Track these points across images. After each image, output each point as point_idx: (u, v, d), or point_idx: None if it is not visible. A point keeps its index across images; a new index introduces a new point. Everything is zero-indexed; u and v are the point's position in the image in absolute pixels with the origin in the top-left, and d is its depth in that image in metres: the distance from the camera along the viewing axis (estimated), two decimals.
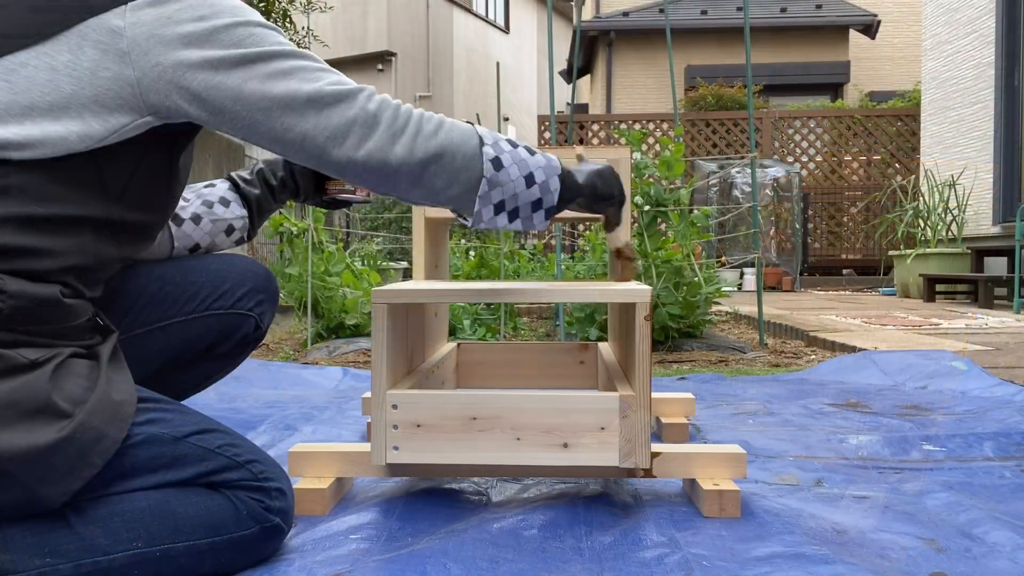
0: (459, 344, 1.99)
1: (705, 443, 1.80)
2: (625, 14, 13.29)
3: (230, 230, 1.37)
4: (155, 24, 0.96)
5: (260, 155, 7.19)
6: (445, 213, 1.76)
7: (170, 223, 1.31)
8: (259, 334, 1.36)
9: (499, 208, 1.11)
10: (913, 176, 8.63)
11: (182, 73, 0.96)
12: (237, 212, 1.37)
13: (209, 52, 0.96)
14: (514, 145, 1.14)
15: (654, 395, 1.88)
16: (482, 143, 1.09)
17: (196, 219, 1.34)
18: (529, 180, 1.12)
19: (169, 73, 0.96)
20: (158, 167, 1.04)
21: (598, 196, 1.22)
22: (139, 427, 0.97)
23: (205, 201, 1.35)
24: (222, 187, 1.37)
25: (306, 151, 1.01)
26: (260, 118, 0.98)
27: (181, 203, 1.33)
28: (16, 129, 0.92)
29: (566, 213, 1.54)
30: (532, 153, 1.15)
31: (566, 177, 1.18)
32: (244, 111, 0.98)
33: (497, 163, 1.09)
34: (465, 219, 1.15)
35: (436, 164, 1.05)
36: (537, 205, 1.14)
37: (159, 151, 1.03)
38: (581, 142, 10.22)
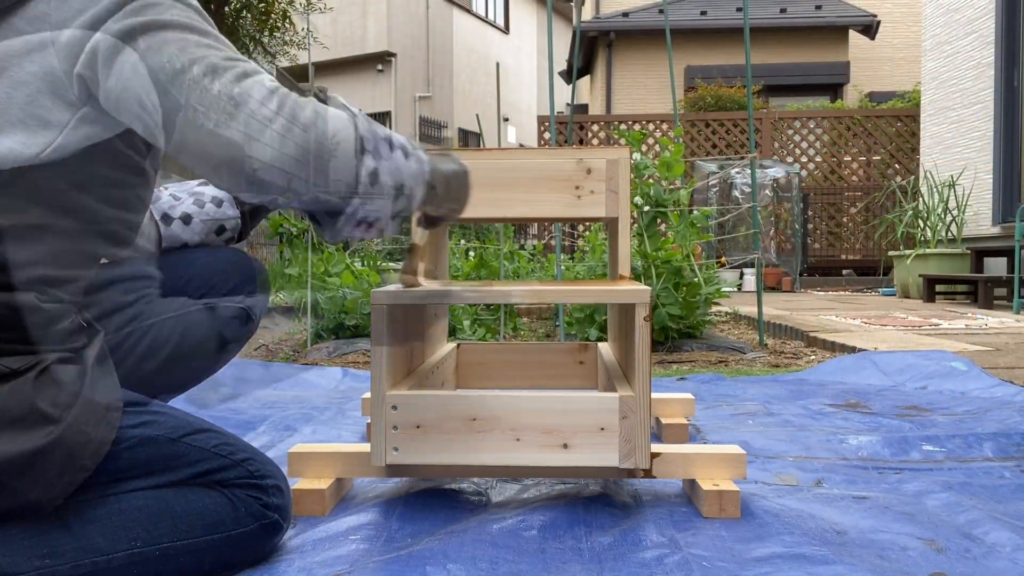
0: (459, 345, 1.99)
1: (705, 444, 1.80)
2: (625, 14, 13.29)
3: (220, 230, 1.36)
4: (79, 7, 0.90)
5: None
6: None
7: (159, 222, 1.31)
8: (252, 326, 1.34)
9: (360, 222, 0.98)
10: (913, 176, 8.63)
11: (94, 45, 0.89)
12: (229, 212, 1.35)
13: (119, 23, 0.89)
14: (391, 145, 0.99)
15: (654, 395, 1.88)
16: (362, 149, 0.94)
17: (186, 219, 1.32)
18: (398, 191, 0.99)
19: (85, 52, 0.90)
20: (124, 173, 0.99)
21: (450, 205, 1.11)
22: (133, 430, 0.97)
23: (197, 200, 1.33)
24: None
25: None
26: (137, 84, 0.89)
27: (171, 202, 1.32)
28: None
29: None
30: (407, 154, 1.00)
31: (432, 183, 1.05)
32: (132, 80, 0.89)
33: (374, 177, 0.95)
34: (320, 231, 1.01)
35: (314, 161, 0.91)
36: (396, 215, 1.01)
37: (123, 157, 0.98)
38: (581, 142, 10.21)
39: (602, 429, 1.24)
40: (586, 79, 16.36)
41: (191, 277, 1.27)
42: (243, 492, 1.02)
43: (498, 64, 5.48)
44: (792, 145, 10.23)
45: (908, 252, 6.89)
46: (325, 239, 1.01)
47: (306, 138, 0.90)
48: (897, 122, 10.01)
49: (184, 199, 1.32)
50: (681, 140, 3.69)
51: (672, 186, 3.66)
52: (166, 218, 1.31)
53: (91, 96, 0.92)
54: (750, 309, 4.83)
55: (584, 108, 15.43)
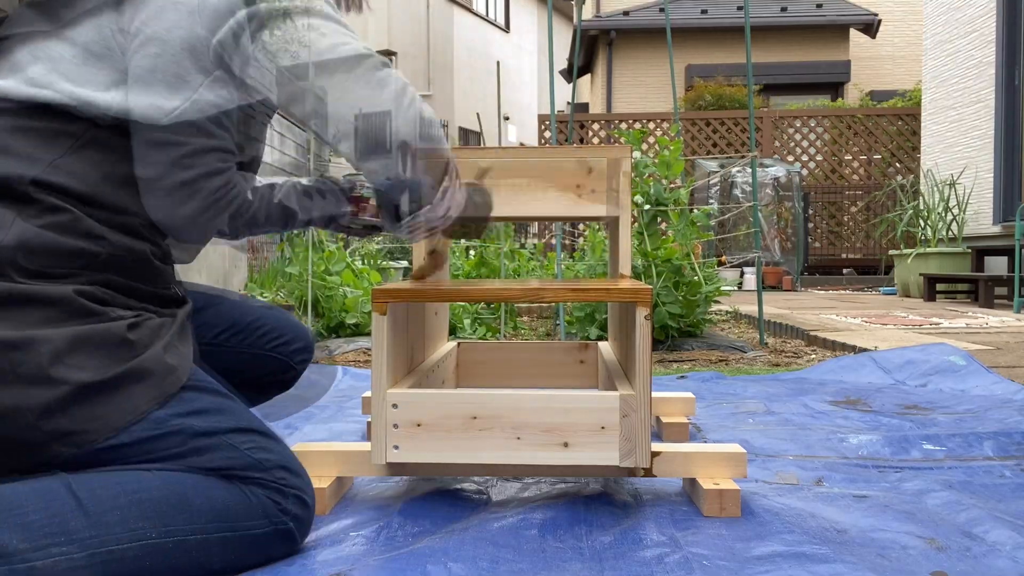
0: (459, 343, 1.99)
1: (705, 442, 1.80)
2: (625, 13, 13.29)
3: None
4: None
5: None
6: None
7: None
8: (293, 384, 1.52)
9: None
10: (913, 175, 8.62)
11: (244, 32, 1.04)
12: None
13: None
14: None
15: (654, 394, 1.88)
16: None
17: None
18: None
19: (234, 30, 1.04)
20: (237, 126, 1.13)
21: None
22: (179, 419, 1.00)
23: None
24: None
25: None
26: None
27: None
28: (144, 100, 1.02)
29: None
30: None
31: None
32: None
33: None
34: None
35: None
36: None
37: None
38: (581, 141, 10.21)
39: (603, 428, 1.24)
40: (587, 78, 16.36)
41: (271, 327, 1.45)
42: (262, 492, 1.03)
43: (499, 63, 5.49)
44: (793, 144, 10.23)
45: (909, 251, 6.88)
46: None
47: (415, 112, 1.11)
48: (898, 121, 10.00)
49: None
50: (680, 136, 3.68)
51: (672, 185, 3.66)
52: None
53: (225, 64, 1.06)
54: (750, 308, 4.83)
55: (585, 107, 15.43)
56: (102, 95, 1.02)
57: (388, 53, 16.59)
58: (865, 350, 3.15)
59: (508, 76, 17.95)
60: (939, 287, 6.51)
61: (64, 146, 1.00)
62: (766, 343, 3.80)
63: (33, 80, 1.02)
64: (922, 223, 7.13)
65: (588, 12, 14.38)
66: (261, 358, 1.42)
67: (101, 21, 1.04)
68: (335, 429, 1.96)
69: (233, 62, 1.05)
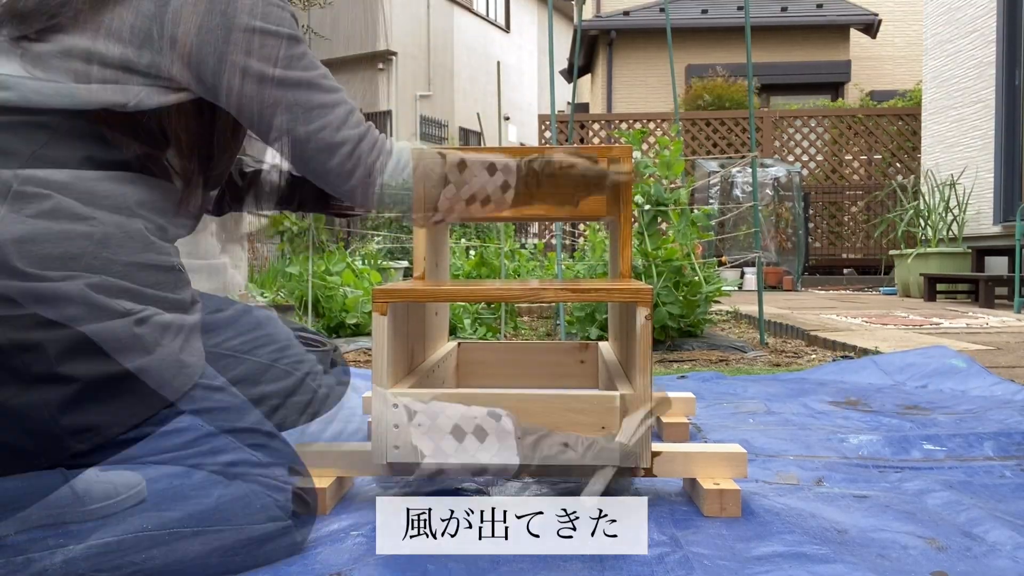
0: (459, 343, 1.99)
1: (705, 442, 1.80)
2: (626, 13, 13.30)
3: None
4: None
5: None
6: None
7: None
8: (312, 411, 1.42)
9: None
10: (914, 175, 8.62)
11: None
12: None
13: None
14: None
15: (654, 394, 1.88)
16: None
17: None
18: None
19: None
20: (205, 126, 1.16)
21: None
22: (185, 417, 1.01)
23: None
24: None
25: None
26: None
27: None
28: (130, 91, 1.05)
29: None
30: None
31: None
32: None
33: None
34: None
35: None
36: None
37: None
38: (582, 141, 10.21)
39: (603, 428, 1.24)
40: (587, 78, 16.36)
41: (296, 350, 1.39)
42: (263, 491, 1.03)
43: (499, 63, 5.49)
44: (793, 144, 10.23)
45: (909, 251, 6.88)
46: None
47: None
48: (898, 121, 10.00)
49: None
50: (680, 136, 3.68)
51: (672, 185, 3.66)
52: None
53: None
54: (751, 308, 4.83)
55: (585, 107, 15.43)
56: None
57: (388, 53, 16.59)
58: (866, 350, 3.15)
59: (508, 76, 17.96)
60: (939, 287, 6.51)
61: (43, 138, 1.01)
62: (766, 343, 3.80)
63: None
64: (922, 223, 7.13)
65: (588, 12, 14.38)
66: (269, 369, 1.37)
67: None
68: (335, 429, 1.96)
69: None
